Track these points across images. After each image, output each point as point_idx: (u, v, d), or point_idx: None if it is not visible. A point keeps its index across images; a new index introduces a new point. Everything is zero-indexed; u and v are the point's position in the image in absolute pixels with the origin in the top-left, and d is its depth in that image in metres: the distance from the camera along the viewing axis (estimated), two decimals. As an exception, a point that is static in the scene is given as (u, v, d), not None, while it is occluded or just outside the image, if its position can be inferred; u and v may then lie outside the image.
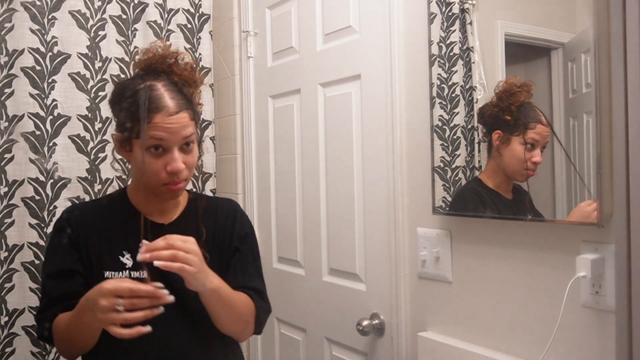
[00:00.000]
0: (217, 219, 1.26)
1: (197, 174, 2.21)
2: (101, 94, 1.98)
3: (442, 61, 1.33)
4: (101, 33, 2.00)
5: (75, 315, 1.09)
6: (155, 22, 2.12)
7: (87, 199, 1.93)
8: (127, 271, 1.16)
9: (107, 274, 1.15)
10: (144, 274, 1.15)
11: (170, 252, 1.01)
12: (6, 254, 1.84)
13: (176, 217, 1.25)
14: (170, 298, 1.00)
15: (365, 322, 1.54)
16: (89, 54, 1.97)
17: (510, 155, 1.19)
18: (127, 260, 1.17)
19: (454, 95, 1.31)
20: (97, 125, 1.97)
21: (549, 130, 1.13)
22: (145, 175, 1.12)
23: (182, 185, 1.15)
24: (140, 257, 1.00)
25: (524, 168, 1.17)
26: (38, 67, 1.88)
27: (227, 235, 1.27)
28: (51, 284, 1.19)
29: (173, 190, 1.14)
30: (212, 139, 2.27)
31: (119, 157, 1.23)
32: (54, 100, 1.90)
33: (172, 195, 1.17)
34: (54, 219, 1.86)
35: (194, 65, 1.22)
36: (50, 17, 1.90)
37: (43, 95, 1.88)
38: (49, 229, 1.86)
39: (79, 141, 1.93)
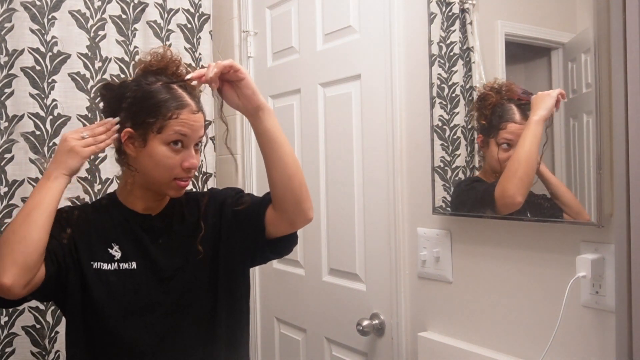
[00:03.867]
0: (198, 203, 1.27)
1: (197, 174, 2.21)
2: (101, 94, 1.98)
3: (442, 61, 1.33)
4: (101, 33, 2.00)
5: (32, 196, 1.10)
6: (155, 22, 2.12)
7: (87, 199, 1.93)
8: (116, 263, 1.17)
9: (95, 264, 1.15)
10: (133, 265, 1.18)
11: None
12: (6, 254, 1.84)
13: (162, 210, 1.25)
14: (116, 119, 1.15)
15: (365, 322, 1.54)
16: (89, 54, 1.97)
17: (490, 157, 1.22)
18: (115, 252, 1.18)
19: (454, 95, 1.31)
20: (97, 125, 1.97)
21: (522, 127, 1.14)
22: (158, 168, 1.14)
23: (189, 182, 1.19)
24: (189, 75, 1.14)
25: (502, 168, 1.18)
26: (38, 67, 1.88)
27: (217, 211, 1.26)
28: None
29: (182, 186, 1.17)
30: (212, 139, 2.27)
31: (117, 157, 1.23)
32: (54, 100, 1.90)
33: (178, 192, 1.19)
34: (54, 219, 1.86)
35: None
36: (50, 17, 1.90)
37: (43, 95, 1.88)
38: (49, 229, 1.86)
39: (79, 141, 1.93)
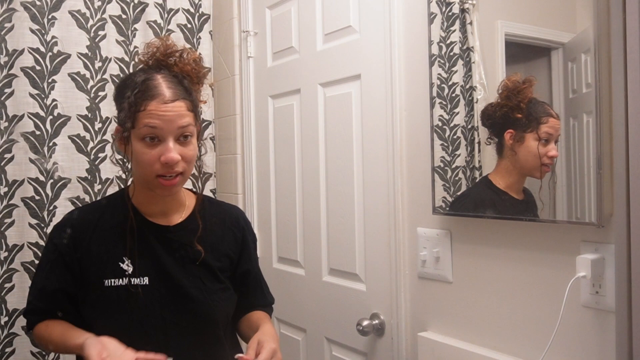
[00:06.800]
0: (223, 232, 1.26)
1: (197, 174, 2.21)
2: (101, 94, 1.98)
3: (442, 61, 1.33)
4: (101, 33, 2.00)
5: (63, 345, 1.12)
6: (155, 22, 2.12)
7: (87, 199, 1.93)
8: (127, 278, 1.13)
9: (106, 282, 1.12)
10: (145, 281, 1.13)
11: None
12: (6, 254, 1.84)
13: (182, 220, 1.21)
14: None
15: (365, 322, 1.54)
16: (89, 53, 1.97)
17: (526, 152, 1.18)
18: (127, 266, 1.14)
19: (454, 95, 1.31)
20: (97, 125, 1.97)
21: (559, 122, 1.12)
22: (139, 166, 1.09)
23: (176, 181, 1.10)
24: None
25: (540, 164, 1.15)
26: (38, 67, 1.88)
27: (237, 252, 1.28)
28: (36, 295, 1.21)
29: (166, 185, 1.09)
30: (212, 139, 2.27)
31: (118, 157, 1.22)
32: (54, 100, 1.90)
33: (166, 191, 1.11)
34: (54, 219, 1.86)
35: (198, 60, 1.19)
36: (50, 17, 1.90)
37: (43, 95, 1.88)
38: (49, 229, 1.86)
39: (79, 141, 1.93)
